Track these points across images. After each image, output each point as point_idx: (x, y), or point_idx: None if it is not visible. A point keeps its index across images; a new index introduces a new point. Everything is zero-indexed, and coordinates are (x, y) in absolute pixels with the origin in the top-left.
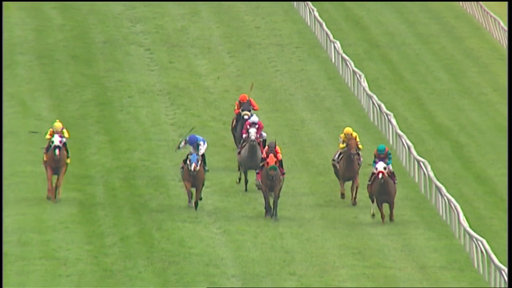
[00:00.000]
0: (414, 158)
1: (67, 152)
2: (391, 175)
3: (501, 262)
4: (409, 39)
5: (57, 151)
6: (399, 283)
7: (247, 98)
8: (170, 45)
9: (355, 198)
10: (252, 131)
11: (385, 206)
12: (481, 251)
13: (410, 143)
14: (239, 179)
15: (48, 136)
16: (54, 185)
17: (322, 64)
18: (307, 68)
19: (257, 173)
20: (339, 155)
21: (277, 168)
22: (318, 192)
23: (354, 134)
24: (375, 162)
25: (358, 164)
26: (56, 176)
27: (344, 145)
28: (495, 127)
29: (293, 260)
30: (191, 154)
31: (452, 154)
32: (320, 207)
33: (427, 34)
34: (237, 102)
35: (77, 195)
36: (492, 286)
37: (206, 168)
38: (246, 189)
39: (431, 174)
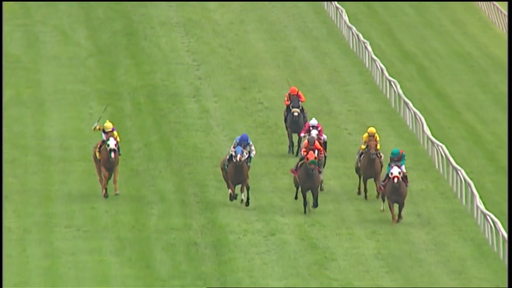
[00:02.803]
0: (386, 78)
1: (119, 150)
2: (404, 178)
3: (457, 164)
4: None
5: (112, 154)
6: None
7: (297, 91)
8: None
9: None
10: (314, 132)
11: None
12: (441, 155)
13: (382, 66)
14: (296, 197)
15: (97, 127)
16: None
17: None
18: (298, 5)
19: (295, 170)
20: (360, 155)
21: (316, 163)
22: (306, 106)
23: (376, 135)
24: (390, 166)
25: (381, 164)
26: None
27: (365, 146)
28: (453, 53)
29: (287, 162)
30: (235, 147)
31: (417, 75)
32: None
33: None
34: (287, 94)
35: (108, 109)
36: (450, 183)
37: (249, 164)
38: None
39: (400, 91)
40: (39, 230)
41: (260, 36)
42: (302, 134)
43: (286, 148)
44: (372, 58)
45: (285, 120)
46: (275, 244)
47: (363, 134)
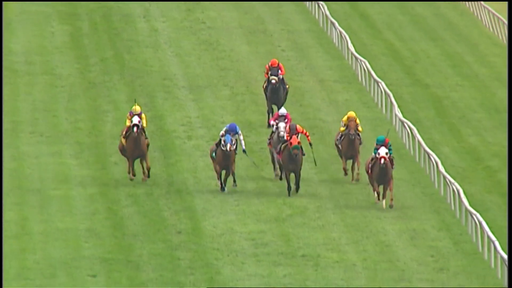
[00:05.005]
0: (326, 15)
1: (145, 133)
2: (390, 161)
3: (378, 77)
4: None
5: (135, 128)
6: (304, 94)
7: (277, 63)
8: None
9: (357, 174)
10: (282, 125)
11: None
12: (364, 69)
13: (324, 4)
14: (280, 177)
15: (128, 122)
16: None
17: None
18: None
19: (278, 153)
20: (340, 137)
21: (299, 148)
22: (254, 42)
23: (356, 119)
24: (376, 150)
25: (360, 143)
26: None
27: (344, 128)
28: None
29: (227, 76)
30: (224, 136)
31: (351, 11)
32: (258, 55)
33: None
34: (267, 66)
35: (68, 28)
36: (372, 94)
37: (236, 151)
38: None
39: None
40: (7, 136)
41: None
42: (272, 122)
43: (226, 62)
44: None
45: (265, 91)
46: None
47: (343, 117)
